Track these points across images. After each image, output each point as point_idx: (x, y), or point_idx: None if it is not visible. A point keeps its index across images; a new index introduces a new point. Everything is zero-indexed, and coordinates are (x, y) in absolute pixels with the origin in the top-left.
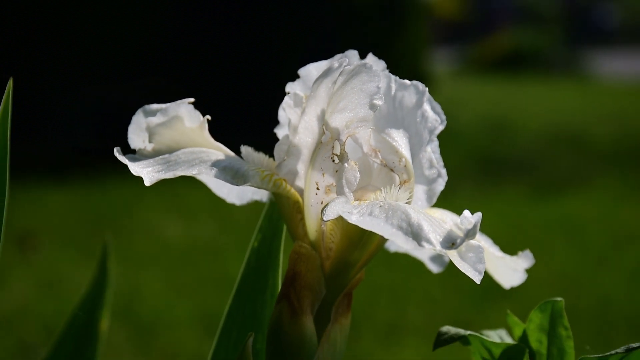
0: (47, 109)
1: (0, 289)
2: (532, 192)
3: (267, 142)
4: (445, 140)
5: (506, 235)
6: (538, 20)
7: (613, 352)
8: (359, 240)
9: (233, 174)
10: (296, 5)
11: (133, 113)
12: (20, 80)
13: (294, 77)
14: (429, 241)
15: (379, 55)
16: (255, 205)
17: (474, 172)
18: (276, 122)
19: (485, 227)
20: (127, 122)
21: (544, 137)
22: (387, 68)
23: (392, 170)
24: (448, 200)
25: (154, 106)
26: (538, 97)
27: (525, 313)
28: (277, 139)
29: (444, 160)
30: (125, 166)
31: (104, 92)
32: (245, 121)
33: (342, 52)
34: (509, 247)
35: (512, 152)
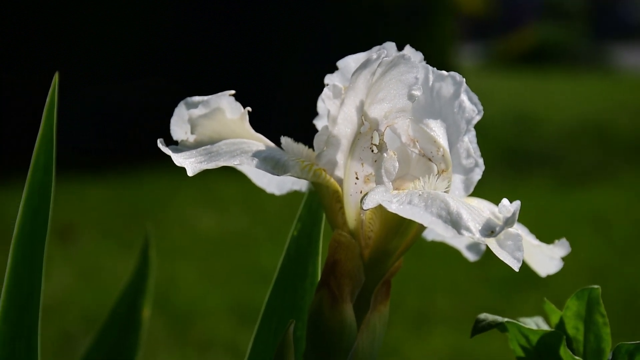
0: None
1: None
2: (557, 184)
3: None
4: None
5: (532, 227)
6: (563, 15)
7: None
8: (398, 229)
9: (274, 164)
10: (296, 5)
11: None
12: (20, 80)
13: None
14: (468, 229)
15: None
16: (286, 198)
17: (500, 164)
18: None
19: None
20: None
21: (570, 130)
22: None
23: (430, 159)
24: (474, 192)
25: (196, 98)
26: (563, 91)
27: (552, 301)
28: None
29: None
30: (159, 161)
31: (104, 92)
32: None
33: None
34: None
35: (538, 145)
